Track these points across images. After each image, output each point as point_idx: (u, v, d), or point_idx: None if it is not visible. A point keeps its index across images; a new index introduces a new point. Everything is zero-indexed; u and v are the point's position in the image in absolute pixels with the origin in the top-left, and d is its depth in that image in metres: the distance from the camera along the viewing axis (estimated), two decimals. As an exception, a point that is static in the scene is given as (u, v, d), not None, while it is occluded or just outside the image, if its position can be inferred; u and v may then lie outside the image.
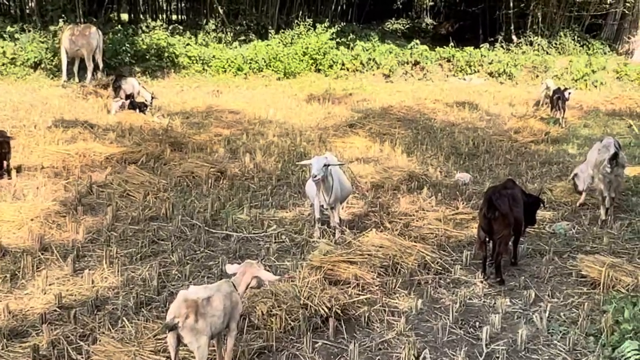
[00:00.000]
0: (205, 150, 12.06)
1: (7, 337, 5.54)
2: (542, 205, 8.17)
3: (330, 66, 23.45)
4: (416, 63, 24.22)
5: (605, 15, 31.33)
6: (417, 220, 8.51)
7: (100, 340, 5.39)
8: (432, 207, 9.11)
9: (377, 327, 6.00)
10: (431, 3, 33.01)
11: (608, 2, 29.80)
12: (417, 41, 26.00)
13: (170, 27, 25.30)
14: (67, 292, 6.44)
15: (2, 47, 20.85)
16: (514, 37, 29.02)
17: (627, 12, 29.71)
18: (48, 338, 5.49)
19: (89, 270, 6.91)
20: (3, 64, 20.41)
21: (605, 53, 27.36)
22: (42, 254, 7.30)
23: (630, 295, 6.56)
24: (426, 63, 24.23)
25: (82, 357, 5.26)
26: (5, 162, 9.94)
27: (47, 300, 6.26)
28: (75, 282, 6.70)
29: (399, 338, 5.76)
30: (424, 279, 7.01)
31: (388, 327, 5.99)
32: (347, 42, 24.95)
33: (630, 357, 5.14)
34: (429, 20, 34.24)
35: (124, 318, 5.86)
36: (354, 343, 5.55)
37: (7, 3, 26.91)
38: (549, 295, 6.74)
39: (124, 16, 29.21)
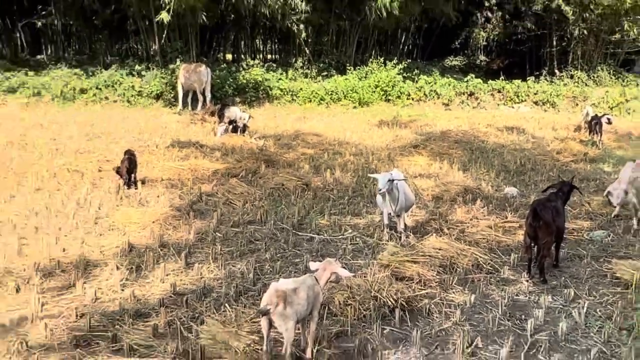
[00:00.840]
0: (293, 166, 12.15)
1: (133, 317, 5.74)
2: (575, 189, 8.00)
3: (398, 96, 23.36)
4: (471, 94, 23.92)
5: (638, 52, 30.46)
6: (471, 227, 8.38)
7: (206, 322, 5.50)
8: (484, 216, 8.95)
9: (436, 317, 5.94)
10: (484, 43, 32.55)
11: (640, 40, 29.04)
12: (472, 75, 25.71)
13: (266, 65, 25.69)
14: (180, 281, 6.60)
15: (132, 82, 21.63)
16: (556, 71, 28.36)
17: (658, 49, 28.90)
18: (165, 319, 5.65)
19: (198, 264, 7.08)
20: (132, 96, 21.16)
21: (638, 85, 26.44)
22: (161, 250, 7.52)
23: (660, 295, 6.34)
24: (480, 94, 23.90)
25: (192, 336, 5.38)
26: (133, 176, 10.28)
27: (164, 288, 6.43)
28: (187, 273, 6.86)
29: (455, 327, 5.70)
30: (476, 277, 6.91)
31: (445, 317, 5.93)
32: (412, 77, 24.81)
33: (660, 349, 4.95)
34: (482, 57, 33.77)
35: (225, 304, 5.97)
36: (416, 330, 5.52)
37: (135, 46, 27.86)
38: (586, 294, 6.54)
39: (229, 56, 29.84)
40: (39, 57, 28.01)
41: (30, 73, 22.21)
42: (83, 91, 21.33)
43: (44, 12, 27.56)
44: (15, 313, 5.85)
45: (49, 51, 29.07)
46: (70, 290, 6.39)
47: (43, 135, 14.40)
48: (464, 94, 23.88)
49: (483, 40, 32.28)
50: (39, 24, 27.54)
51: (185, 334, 5.43)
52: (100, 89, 21.50)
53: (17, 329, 5.55)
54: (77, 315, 5.76)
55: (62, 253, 7.33)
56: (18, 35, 29.33)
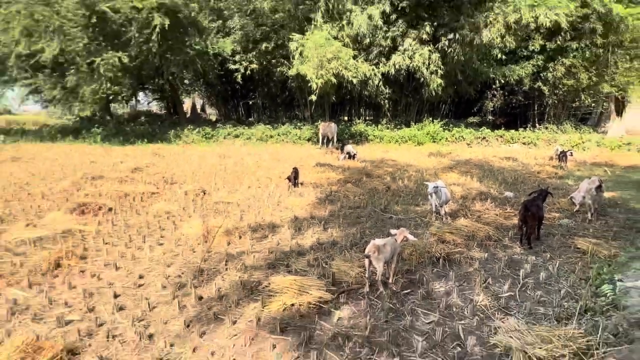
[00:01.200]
0: (381, 177, 11.97)
1: (296, 254, 5.91)
2: (549, 194, 7.26)
3: (440, 139, 22.40)
4: (484, 138, 22.38)
5: (591, 112, 27.53)
6: (484, 214, 7.83)
7: (335, 259, 5.58)
8: (493, 208, 8.34)
9: (464, 265, 5.64)
10: (492, 108, 30.46)
11: (592, 105, 26.22)
12: (484, 127, 24.13)
13: (365, 122, 25.63)
14: (321, 237, 6.67)
15: (295, 132, 22.27)
16: (537, 125, 26.03)
17: (603, 111, 25.93)
18: (313, 256, 5.78)
19: (330, 228, 7.14)
20: (295, 139, 21.79)
21: (590, 132, 23.61)
22: (311, 220, 7.65)
23: (606, 260, 5.66)
24: (489, 138, 22.32)
25: (327, 266, 5.46)
26: (296, 181, 10.56)
27: (312, 240, 6.54)
28: (325, 233, 6.92)
29: (475, 271, 5.40)
30: (488, 243, 6.47)
31: (469, 265, 5.62)
32: (449, 128, 23.70)
33: (607, 292, 4.43)
34: (490, 117, 31.50)
35: (345, 250, 6.01)
36: (452, 271, 5.29)
37: (298, 113, 28.70)
38: (557, 256, 5.93)
39: (345, 117, 29.99)
40: (250, 119, 29.62)
41: (246, 128, 23.55)
42: (271, 137, 22.23)
43: (252, 96, 29.19)
44: (239, 249, 6.22)
45: (255, 116, 30.65)
46: (265, 238, 6.68)
47: (251, 159, 15.21)
48: (479, 138, 22.46)
49: (491, 107, 30.24)
50: (250, 102, 29.20)
51: (323, 265, 5.54)
52: (279, 135, 22.30)
53: (239, 257, 5.89)
54: (269, 252, 6.03)
55: (261, 219, 7.66)
56: (240, 108, 31.22)
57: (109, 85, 19.57)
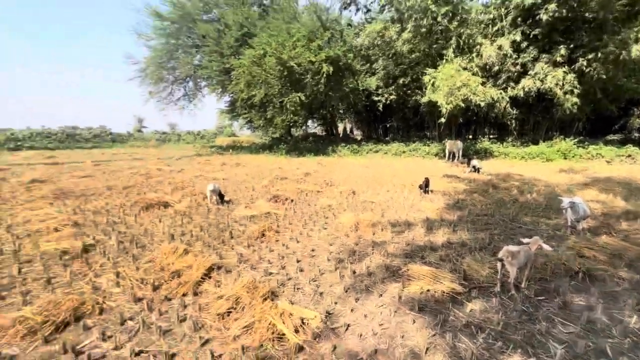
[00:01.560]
0: (508, 190, 10.24)
1: (429, 249, 5.47)
2: None
3: (573, 156, 17.97)
4: (629, 155, 16.98)
5: None
6: (634, 235, 5.91)
7: (465, 258, 5.02)
8: (643, 229, 6.26)
9: (609, 283, 4.38)
10: (637, 126, 22.87)
11: None
12: (630, 145, 18.29)
13: (489, 140, 22.48)
14: (450, 237, 6.03)
15: (424, 148, 21.06)
16: None
17: None
18: (444, 253, 5.27)
19: (460, 230, 6.41)
20: (424, 154, 20.60)
21: None
22: (441, 222, 7.02)
23: None
24: (636, 156, 16.82)
25: (458, 263, 4.94)
26: (427, 188, 9.93)
27: (442, 239, 5.98)
28: (454, 234, 6.20)
29: (624, 291, 4.13)
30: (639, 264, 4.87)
31: (616, 284, 4.33)
32: (583, 146, 18.83)
33: None
34: (636, 134, 23.71)
35: (474, 252, 5.36)
36: (595, 287, 4.17)
37: (427, 133, 27.06)
38: None
39: (470, 136, 26.86)
40: (386, 138, 29.32)
41: (383, 145, 23.43)
42: (403, 152, 21.52)
43: (390, 120, 28.87)
44: (381, 239, 6.10)
45: (390, 135, 30.18)
46: (402, 233, 6.40)
47: (388, 169, 14.97)
48: (623, 156, 17.14)
49: (638, 124, 22.72)
50: (387, 125, 28.97)
51: (454, 261, 5.05)
52: (410, 151, 21.38)
53: (382, 245, 5.78)
54: (405, 244, 5.79)
55: (398, 217, 7.41)
56: (379, 130, 31.27)
57: (291, 116, 22.28)
